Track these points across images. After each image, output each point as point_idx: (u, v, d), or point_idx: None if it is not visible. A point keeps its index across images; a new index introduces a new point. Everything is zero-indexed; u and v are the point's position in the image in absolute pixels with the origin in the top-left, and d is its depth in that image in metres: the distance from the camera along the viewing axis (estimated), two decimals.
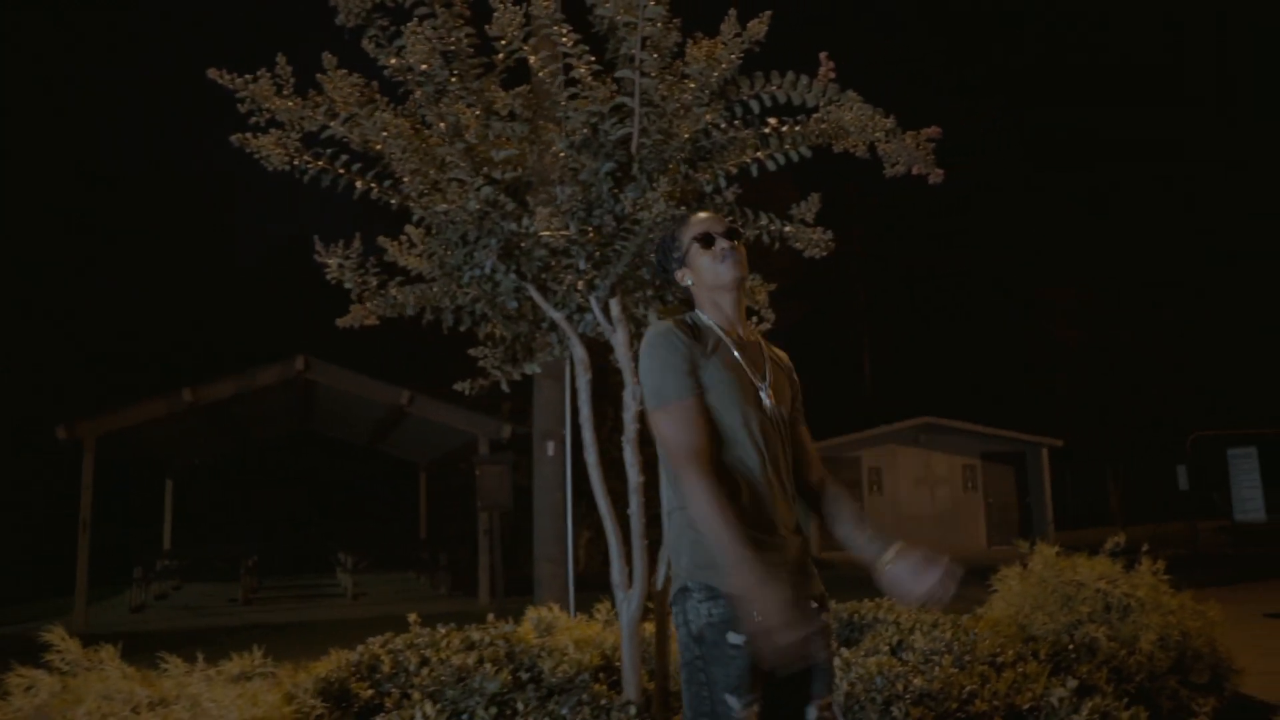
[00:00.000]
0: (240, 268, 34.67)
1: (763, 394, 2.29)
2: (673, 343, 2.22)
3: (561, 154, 3.82)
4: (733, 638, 2.06)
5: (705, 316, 2.36)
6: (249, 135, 3.54)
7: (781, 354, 2.51)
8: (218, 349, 26.46)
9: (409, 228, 4.27)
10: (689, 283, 2.39)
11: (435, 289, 4.16)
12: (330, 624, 11.62)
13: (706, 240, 2.35)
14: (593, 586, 9.94)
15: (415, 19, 3.35)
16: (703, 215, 2.43)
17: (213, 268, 31.64)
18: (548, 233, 3.46)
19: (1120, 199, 28.06)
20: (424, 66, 3.36)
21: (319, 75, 3.82)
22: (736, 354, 2.30)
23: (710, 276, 2.34)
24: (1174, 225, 26.93)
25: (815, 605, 2.29)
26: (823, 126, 3.64)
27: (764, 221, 3.77)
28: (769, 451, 2.23)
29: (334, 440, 21.66)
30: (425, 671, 3.96)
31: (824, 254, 3.80)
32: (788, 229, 3.76)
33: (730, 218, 3.77)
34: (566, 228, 3.48)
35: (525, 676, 4.01)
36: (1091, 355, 27.03)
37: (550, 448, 8.46)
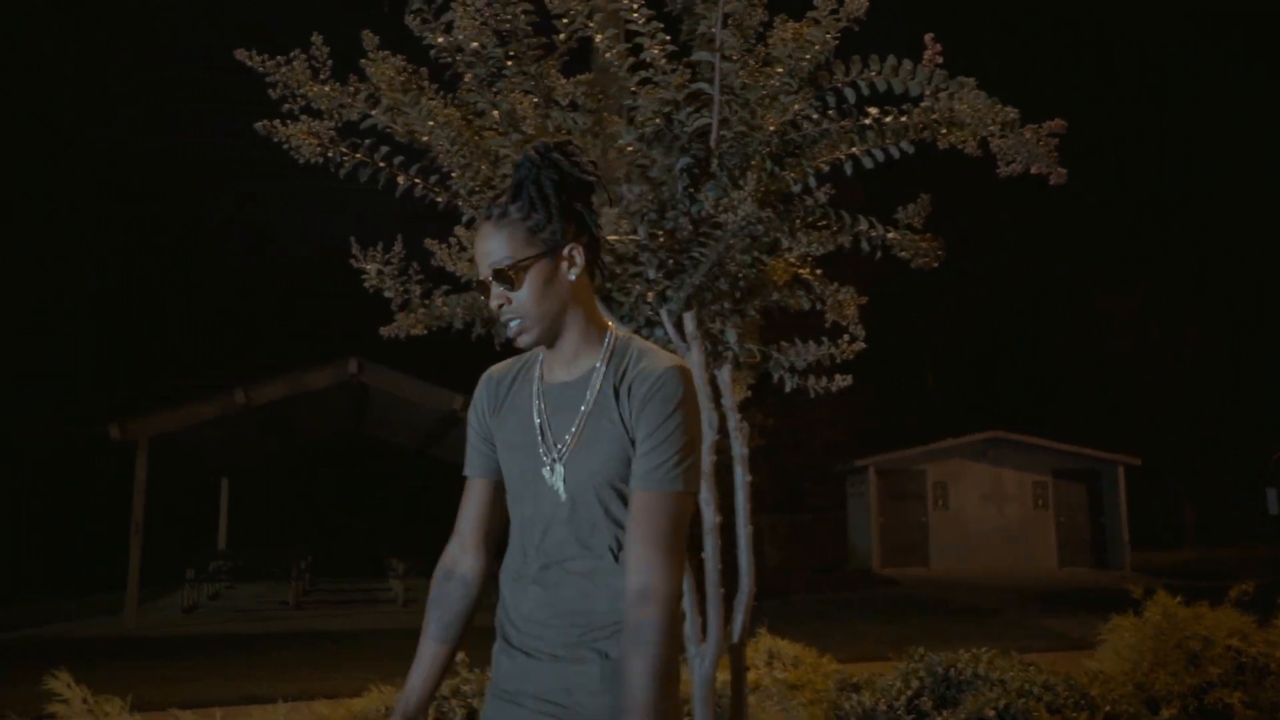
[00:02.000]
0: (290, 265, 34.88)
1: (547, 470, 1.64)
2: (473, 406, 1.82)
3: (629, 148, 3.37)
4: None
5: (538, 362, 1.78)
6: (276, 123, 3.14)
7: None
8: (269, 349, 26.57)
9: (459, 229, 3.86)
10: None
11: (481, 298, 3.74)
12: (381, 633, 11.34)
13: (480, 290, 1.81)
14: None
15: None
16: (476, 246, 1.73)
17: (262, 266, 31.86)
18: (614, 237, 3.01)
19: (1195, 205, 26.93)
20: (474, 45, 2.93)
21: (361, 61, 3.42)
22: (538, 403, 1.69)
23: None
24: (1257, 234, 25.77)
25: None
26: (932, 118, 3.14)
27: (863, 226, 3.28)
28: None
29: (385, 443, 21.50)
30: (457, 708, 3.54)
31: (934, 264, 3.30)
32: (891, 235, 3.26)
33: (824, 222, 3.29)
34: (635, 231, 3.03)
35: None
36: (1166, 368, 25.95)
37: None
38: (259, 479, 21.37)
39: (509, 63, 3.11)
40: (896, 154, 3.41)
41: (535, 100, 3.25)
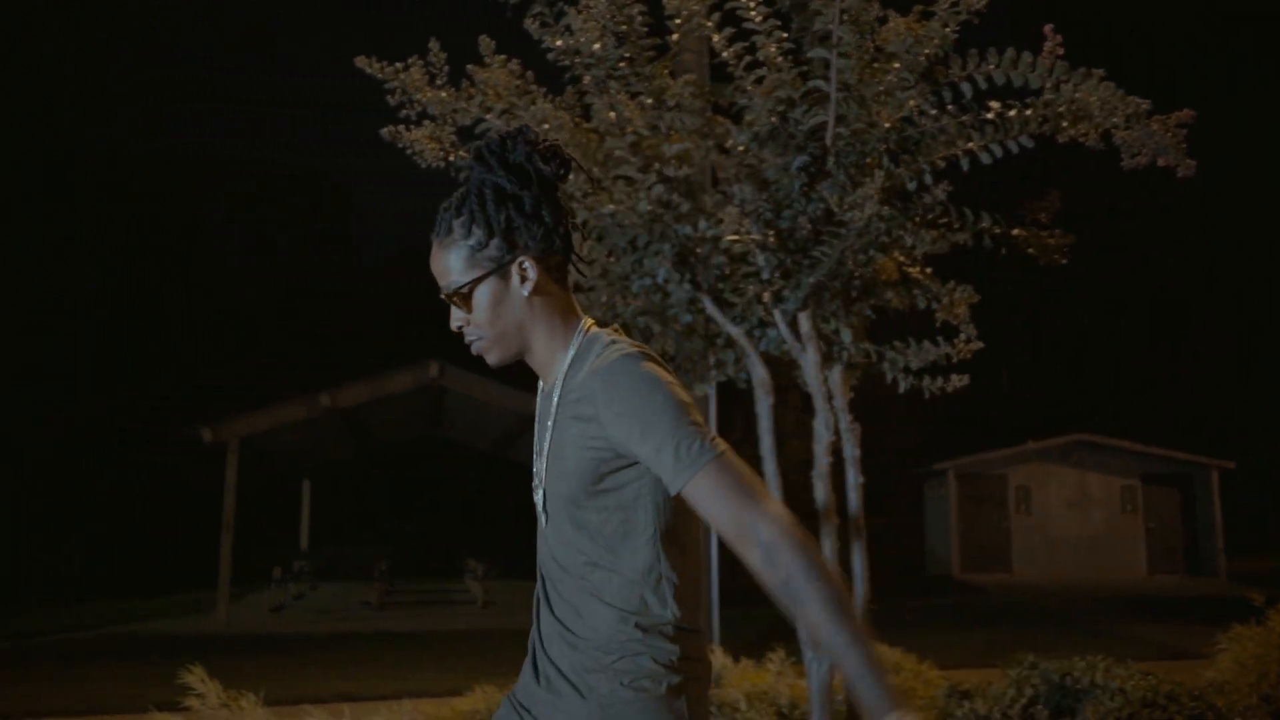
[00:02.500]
0: (363, 271, 35.50)
1: (536, 490, 1.57)
2: None
3: (740, 148, 3.36)
4: None
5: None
6: (401, 129, 3.19)
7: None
8: (344, 353, 27.09)
9: None
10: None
11: (592, 300, 3.76)
12: (463, 634, 11.49)
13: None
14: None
15: None
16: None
17: (335, 271, 32.47)
18: (733, 237, 3.00)
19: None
20: (596, 46, 2.94)
21: (469, 66, 3.47)
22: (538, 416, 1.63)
23: None
24: None
25: None
26: (1059, 110, 3.06)
27: (986, 223, 3.22)
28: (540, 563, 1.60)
29: (461, 446, 21.76)
30: None
31: (1063, 260, 3.22)
32: (1016, 232, 3.20)
33: (944, 219, 3.23)
34: (750, 231, 3.01)
35: None
36: (1261, 368, 25.03)
37: None
38: (338, 481, 21.80)
39: (622, 64, 3.12)
40: (1015, 149, 3.35)
41: (648, 101, 3.26)
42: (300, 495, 19.95)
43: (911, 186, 3.34)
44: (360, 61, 3.25)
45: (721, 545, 8.14)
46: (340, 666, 9.22)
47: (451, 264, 1.50)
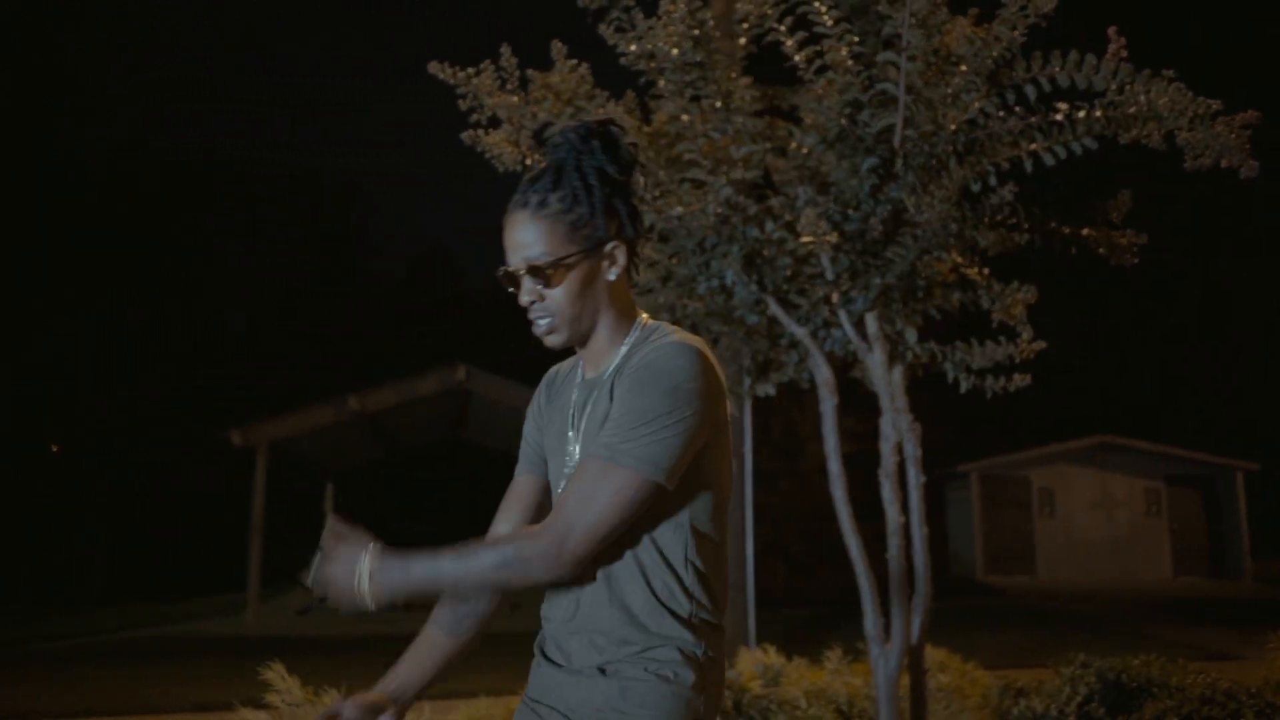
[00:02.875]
0: (381, 276, 35.66)
1: (568, 458, 1.55)
2: (531, 405, 1.72)
3: (804, 150, 3.41)
4: None
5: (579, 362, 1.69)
6: (480, 133, 3.25)
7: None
8: (364, 357, 27.26)
9: None
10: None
11: (652, 301, 3.81)
12: (492, 637, 11.52)
13: (505, 280, 1.57)
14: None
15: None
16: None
17: (354, 276, 32.64)
18: (807, 239, 3.04)
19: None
20: (675, 51, 3.00)
21: (529, 70, 3.53)
22: (572, 412, 1.60)
23: None
24: None
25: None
26: (1128, 112, 3.10)
27: (1053, 224, 3.26)
28: None
29: (484, 449, 21.84)
30: None
31: (1133, 260, 3.26)
32: (1086, 231, 3.23)
33: (1012, 220, 3.28)
34: (820, 233, 3.05)
35: None
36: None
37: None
38: (360, 484, 21.92)
39: (695, 68, 3.18)
40: (1079, 150, 3.38)
41: (717, 104, 3.31)
42: (323, 499, 20.06)
43: (975, 188, 3.38)
44: (433, 67, 3.31)
45: (758, 548, 8.17)
46: (381, 667, 9.28)
47: (542, 236, 1.45)
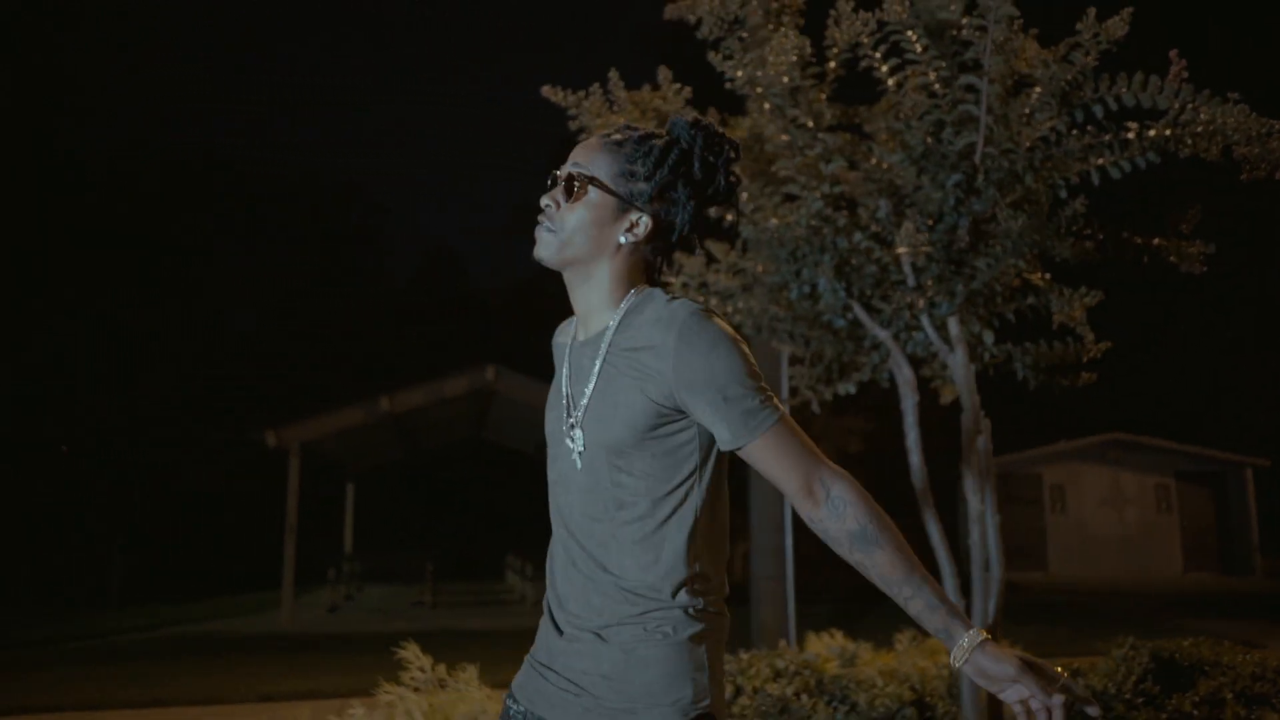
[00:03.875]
0: (384, 276, 35.87)
1: (569, 437, 1.58)
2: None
3: (884, 165, 3.68)
4: None
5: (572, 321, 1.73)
6: None
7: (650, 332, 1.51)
8: (365, 358, 27.52)
9: (710, 243, 4.22)
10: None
11: (738, 305, 4.08)
12: (517, 632, 11.82)
13: (550, 182, 1.60)
14: (739, 599, 9.70)
15: (777, 28, 3.27)
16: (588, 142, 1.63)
17: (355, 276, 32.85)
18: (904, 249, 3.31)
19: None
20: (785, 80, 3.27)
21: (606, 88, 3.80)
22: (564, 372, 1.65)
23: None
24: None
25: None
26: (1196, 130, 3.37)
27: (1125, 234, 3.53)
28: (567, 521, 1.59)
29: (504, 449, 22.12)
30: (743, 700, 3.87)
31: (1202, 269, 3.53)
32: (1157, 241, 3.51)
33: (1087, 231, 3.55)
34: (924, 244, 3.33)
35: (844, 710, 3.88)
36: None
37: None
38: (381, 484, 22.17)
39: (794, 92, 3.45)
40: (1143, 165, 3.66)
41: (809, 123, 3.58)
42: (344, 499, 20.32)
43: (1049, 200, 3.66)
44: (546, 91, 3.58)
45: (798, 542, 8.43)
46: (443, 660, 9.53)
47: (599, 160, 1.54)
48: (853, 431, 23.60)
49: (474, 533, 22.61)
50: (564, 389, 1.60)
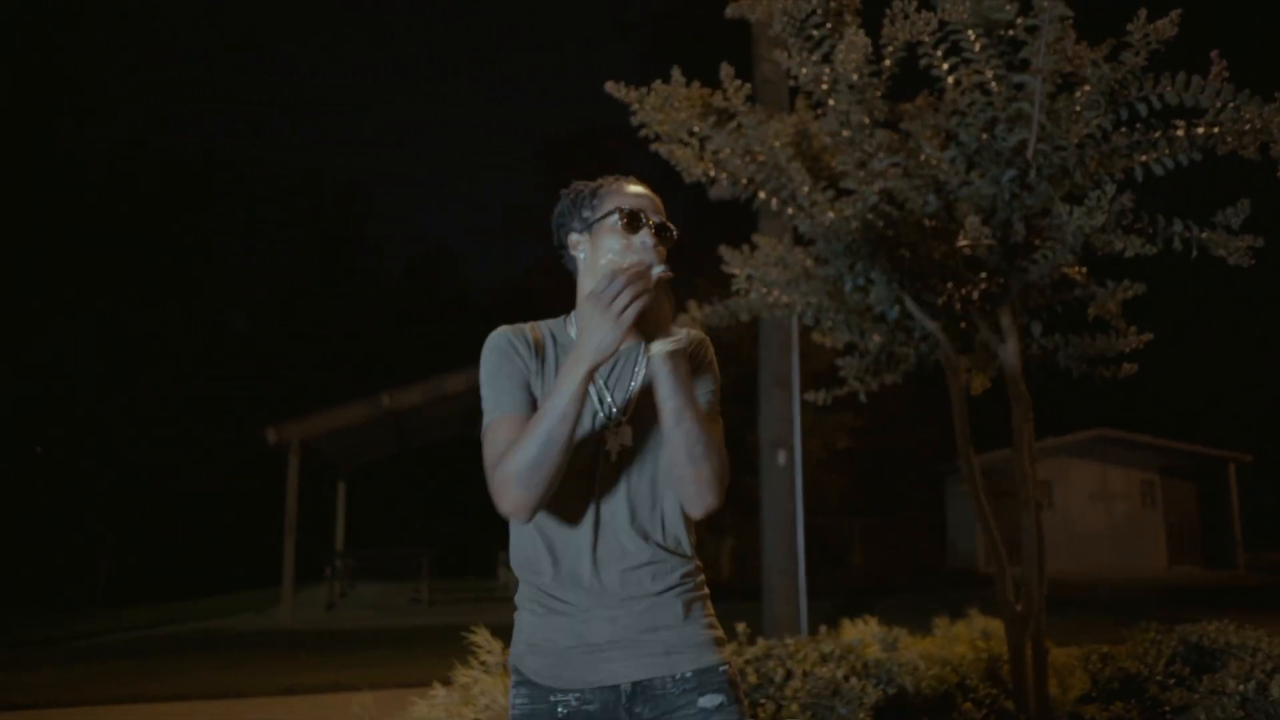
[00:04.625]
0: (382, 276, 35.79)
1: (615, 433, 1.76)
2: (504, 350, 1.78)
3: (934, 162, 3.78)
4: None
5: (567, 323, 1.86)
6: (674, 148, 3.61)
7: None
8: (365, 357, 27.48)
9: (757, 236, 4.31)
10: (580, 255, 1.82)
11: (787, 296, 4.17)
12: (511, 628, 11.85)
13: (633, 222, 1.75)
14: (740, 595, 9.82)
15: (838, 27, 3.36)
16: (639, 188, 1.82)
17: (354, 276, 32.80)
18: (966, 243, 3.42)
19: None
20: (855, 77, 3.36)
21: (658, 84, 3.88)
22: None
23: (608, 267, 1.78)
24: None
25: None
26: (1242, 130, 3.49)
27: (1177, 227, 3.65)
28: (603, 509, 1.75)
29: None
30: (794, 683, 3.96)
31: (1250, 262, 3.65)
32: (1204, 235, 3.63)
33: (1137, 224, 3.66)
34: (987, 238, 3.43)
35: (892, 691, 3.98)
36: (1274, 359, 25.58)
37: (781, 457, 8.42)
38: (372, 482, 22.12)
39: (855, 88, 3.54)
40: (1185, 162, 3.78)
41: (865, 120, 3.68)
42: (335, 496, 20.27)
43: (1095, 195, 3.77)
44: (610, 87, 3.66)
45: (809, 549, 8.54)
46: (423, 655, 9.58)
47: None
48: (841, 427, 23.80)
49: (468, 530, 22.62)
50: (594, 388, 1.76)
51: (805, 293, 4.09)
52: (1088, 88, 3.63)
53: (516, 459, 1.60)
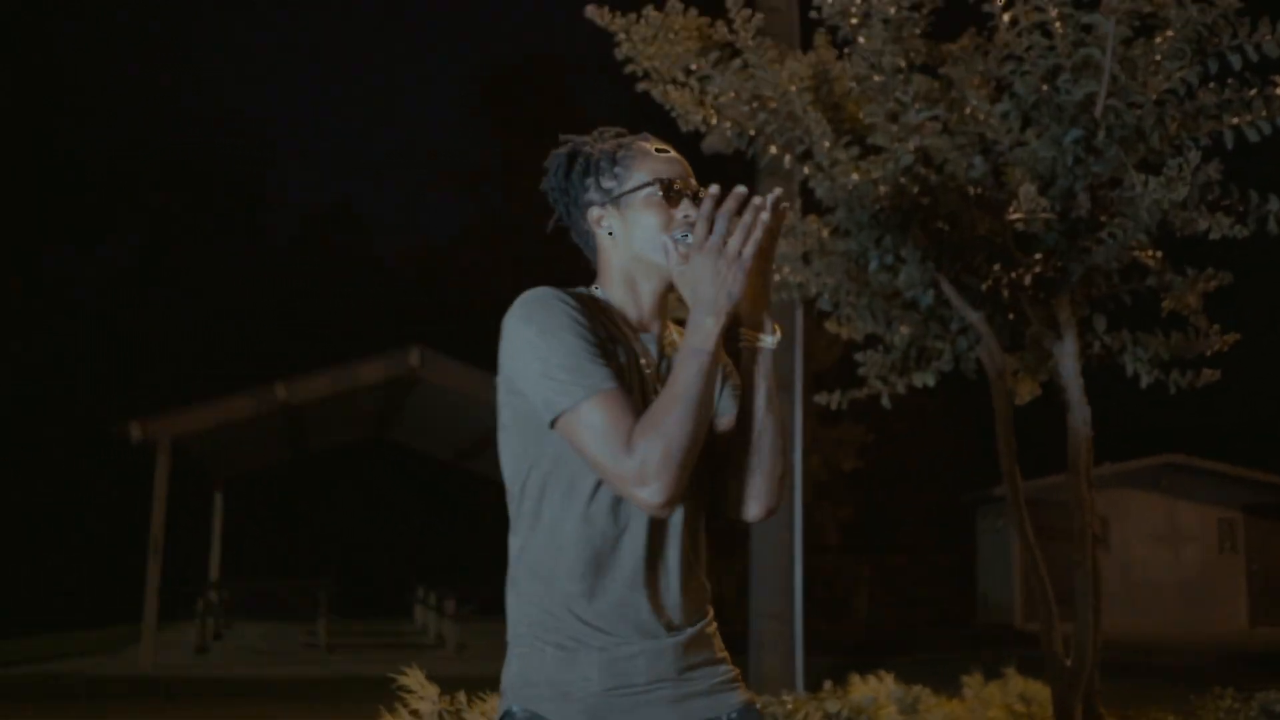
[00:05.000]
0: (274, 240, 35.68)
1: None
2: (570, 314, 1.74)
3: (981, 116, 3.92)
4: None
5: (609, 295, 1.89)
6: (668, 89, 3.71)
7: None
8: (258, 337, 27.39)
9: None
10: (606, 230, 1.88)
11: (797, 274, 4.30)
12: (441, 680, 11.91)
13: (672, 194, 1.83)
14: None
15: None
16: (667, 150, 1.90)
17: (241, 240, 32.73)
18: (1018, 215, 3.55)
19: None
20: (891, 10, 3.49)
21: (671, 17, 3.99)
22: (643, 361, 1.84)
23: (649, 245, 1.83)
24: None
25: None
26: None
27: (1274, 206, 3.80)
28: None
29: (412, 453, 22.15)
30: None
31: None
32: None
33: (1225, 201, 3.81)
34: (1046, 210, 3.57)
35: None
36: None
37: None
38: (258, 494, 22.05)
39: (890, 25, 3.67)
40: None
41: (900, 64, 3.80)
42: (210, 511, 20.14)
43: (1175, 163, 3.92)
44: (591, 11, 3.76)
45: (807, 600, 8.70)
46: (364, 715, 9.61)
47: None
48: (846, 443, 23.94)
49: (376, 558, 22.65)
50: (642, 376, 1.82)
51: (819, 271, 4.21)
52: (1170, 33, 3.77)
53: (669, 436, 1.62)
